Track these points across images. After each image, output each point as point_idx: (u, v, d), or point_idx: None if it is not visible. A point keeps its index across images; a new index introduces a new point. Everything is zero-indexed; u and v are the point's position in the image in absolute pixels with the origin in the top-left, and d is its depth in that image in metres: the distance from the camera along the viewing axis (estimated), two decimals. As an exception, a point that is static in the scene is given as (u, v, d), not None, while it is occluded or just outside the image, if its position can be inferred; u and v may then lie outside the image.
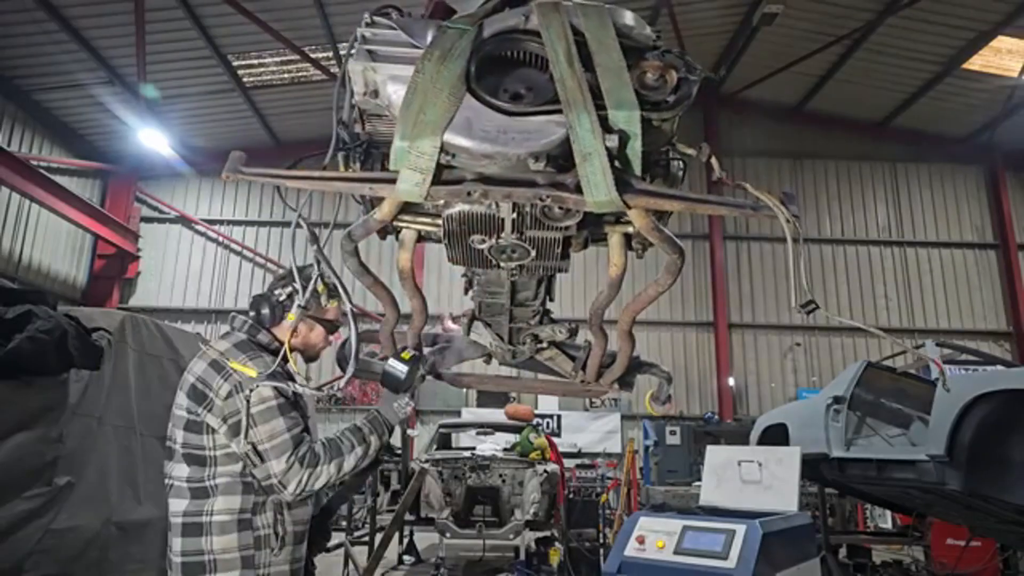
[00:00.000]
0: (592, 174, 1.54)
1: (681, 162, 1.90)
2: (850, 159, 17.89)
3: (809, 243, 17.22)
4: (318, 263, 2.17)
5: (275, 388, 2.19)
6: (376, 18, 1.84)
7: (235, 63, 13.90)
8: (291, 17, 12.72)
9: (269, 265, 16.46)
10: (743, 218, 17.28)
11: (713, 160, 1.82)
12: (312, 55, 13.32)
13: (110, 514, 3.66)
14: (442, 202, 1.77)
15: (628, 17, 1.77)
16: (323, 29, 13.13)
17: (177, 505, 2.17)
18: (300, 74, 14.55)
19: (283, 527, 2.21)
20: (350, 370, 2.19)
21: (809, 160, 17.91)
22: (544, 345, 2.57)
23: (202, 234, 16.82)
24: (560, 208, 1.68)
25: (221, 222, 16.84)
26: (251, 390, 2.16)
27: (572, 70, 1.60)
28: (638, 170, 1.60)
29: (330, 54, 13.76)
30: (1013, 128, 16.42)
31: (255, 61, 14.08)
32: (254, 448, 2.15)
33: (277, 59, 14.07)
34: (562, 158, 1.59)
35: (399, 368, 2.30)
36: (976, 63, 14.81)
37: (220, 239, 16.73)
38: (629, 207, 1.61)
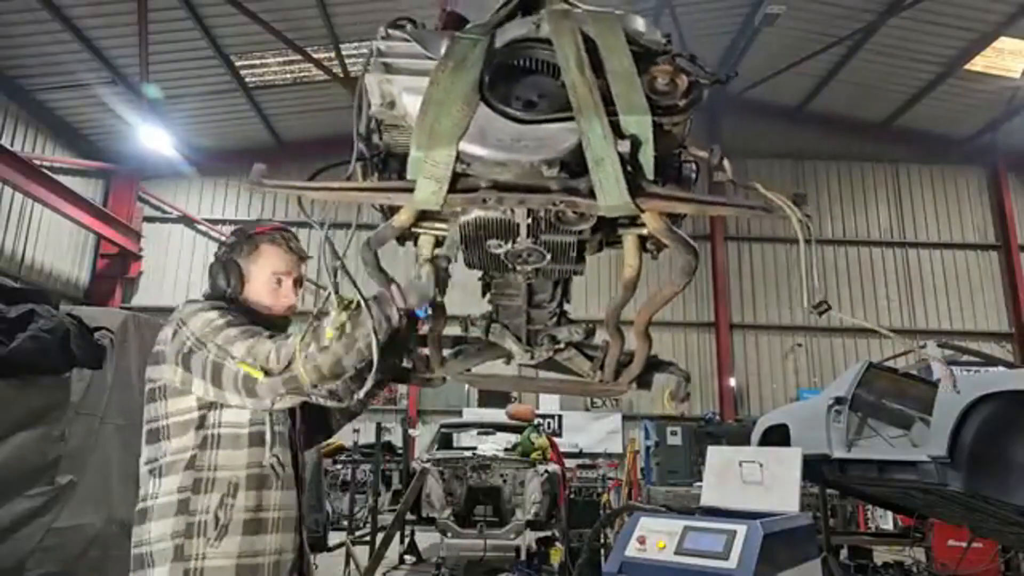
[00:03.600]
0: (605, 179, 1.56)
1: (694, 165, 1.92)
2: (852, 160, 17.89)
3: (811, 244, 17.18)
4: (335, 272, 1.95)
5: (217, 309, 1.98)
6: (391, 31, 1.86)
7: (237, 63, 13.92)
8: (293, 17, 12.74)
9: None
10: (754, 219, 17.30)
11: (725, 162, 1.85)
12: (314, 55, 13.34)
13: (112, 513, 3.67)
14: (459, 209, 1.79)
15: (638, 23, 1.79)
16: (325, 29, 13.15)
17: (139, 493, 2.02)
18: (302, 74, 14.58)
19: (226, 513, 1.90)
20: (370, 381, 1.94)
21: (811, 161, 17.91)
22: (562, 346, 2.58)
23: (204, 234, 16.84)
24: (574, 213, 1.70)
25: (223, 222, 16.86)
26: (184, 319, 1.97)
27: (583, 76, 1.62)
28: (650, 174, 1.62)
29: (332, 55, 13.78)
30: (1015, 129, 16.41)
31: (257, 61, 14.11)
32: (205, 373, 1.90)
33: (279, 59, 14.09)
34: (575, 163, 1.61)
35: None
36: (978, 64, 14.79)
37: (222, 239, 16.73)
38: (642, 210, 1.63)
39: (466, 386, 13.57)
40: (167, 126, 13.49)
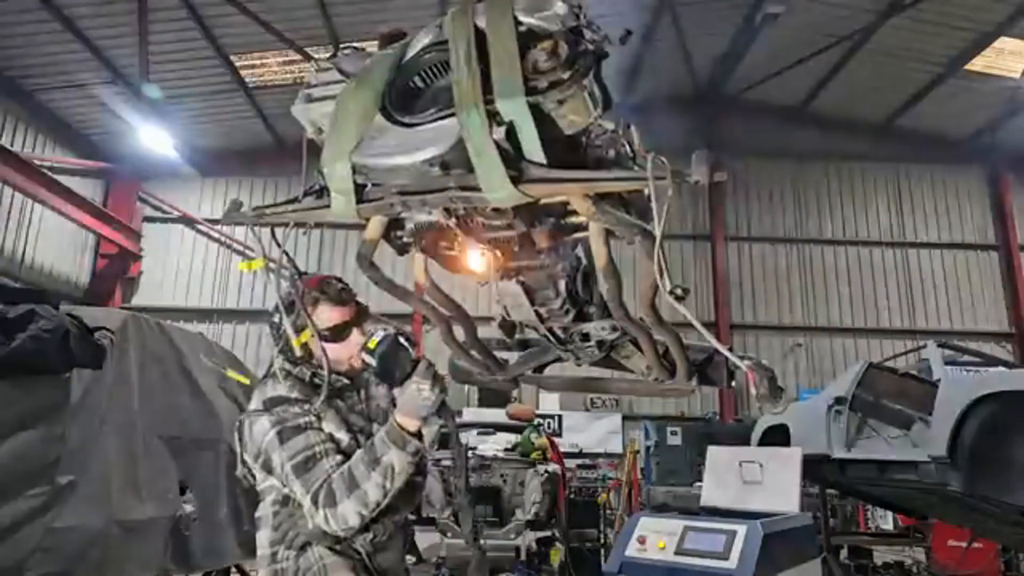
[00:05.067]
0: (487, 170, 1.55)
1: (611, 139, 1.80)
2: (852, 160, 17.87)
3: (811, 244, 17.24)
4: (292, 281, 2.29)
5: (271, 416, 2.07)
6: (322, 64, 1.97)
7: (238, 63, 13.91)
8: (294, 17, 12.74)
9: (271, 265, 16.45)
10: (741, 214, 17.30)
11: (632, 130, 1.78)
12: (315, 56, 13.32)
13: (112, 513, 3.66)
14: (405, 215, 1.84)
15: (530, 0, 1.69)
16: (325, 29, 13.14)
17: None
18: (303, 75, 14.54)
19: (314, 560, 2.05)
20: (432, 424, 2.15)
21: (811, 161, 17.89)
22: (604, 342, 2.44)
23: (204, 234, 16.83)
24: (494, 209, 1.70)
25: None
26: (245, 423, 2.13)
27: (469, 69, 1.59)
28: (538, 157, 1.57)
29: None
30: (1015, 129, 16.40)
31: (257, 61, 14.10)
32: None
33: (280, 59, 14.08)
34: (464, 159, 1.60)
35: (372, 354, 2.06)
36: (978, 64, 14.78)
37: (222, 239, 16.75)
38: (530, 197, 1.60)
39: (465, 386, 13.56)
40: (167, 126, 13.48)
